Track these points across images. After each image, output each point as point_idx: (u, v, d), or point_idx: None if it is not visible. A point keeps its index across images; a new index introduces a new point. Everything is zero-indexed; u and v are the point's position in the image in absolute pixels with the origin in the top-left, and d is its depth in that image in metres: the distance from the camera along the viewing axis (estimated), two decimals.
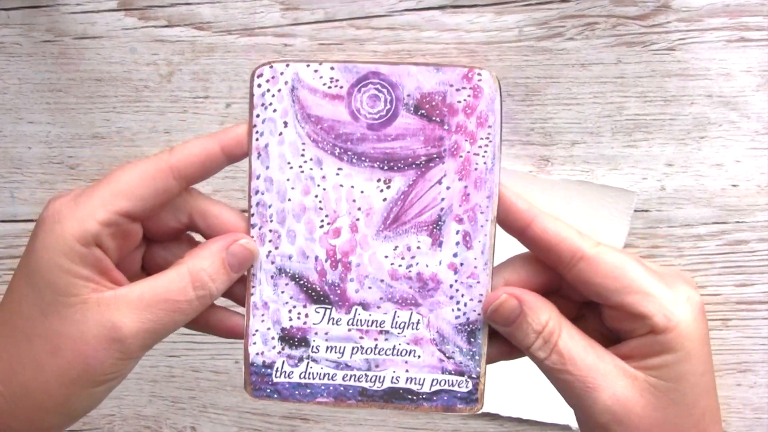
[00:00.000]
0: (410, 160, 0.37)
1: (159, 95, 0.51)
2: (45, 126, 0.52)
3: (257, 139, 0.37)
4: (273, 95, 0.37)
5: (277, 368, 0.38)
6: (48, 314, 0.32)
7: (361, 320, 0.38)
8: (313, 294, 0.38)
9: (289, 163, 0.37)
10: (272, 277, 0.38)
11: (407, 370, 0.38)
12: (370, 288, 0.38)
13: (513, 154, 0.52)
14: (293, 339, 0.38)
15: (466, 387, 0.38)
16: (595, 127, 0.51)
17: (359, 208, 0.37)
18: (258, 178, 0.37)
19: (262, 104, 0.37)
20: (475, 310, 0.37)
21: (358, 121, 0.37)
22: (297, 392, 0.38)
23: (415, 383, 0.38)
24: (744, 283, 0.53)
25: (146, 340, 0.33)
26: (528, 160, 0.52)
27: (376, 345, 0.38)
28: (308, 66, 0.36)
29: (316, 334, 0.38)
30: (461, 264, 0.37)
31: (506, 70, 0.51)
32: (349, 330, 0.38)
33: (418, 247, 0.37)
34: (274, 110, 0.37)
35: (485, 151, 0.37)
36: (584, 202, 0.52)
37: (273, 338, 0.38)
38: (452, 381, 0.38)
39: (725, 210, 0.52)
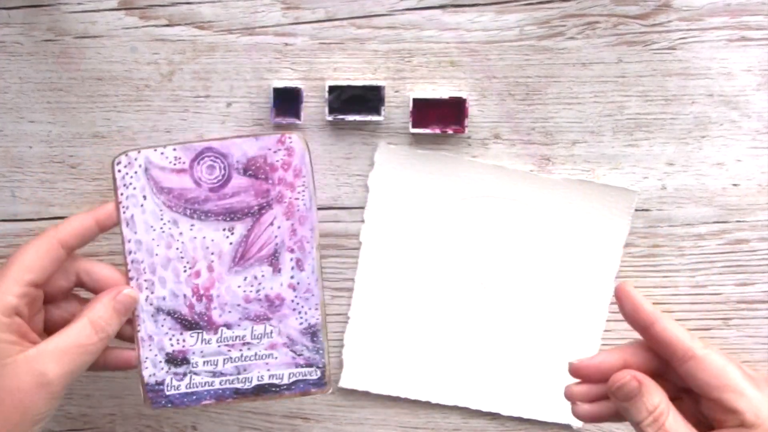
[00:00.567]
0: (246, 210, 0.47)
1: (160, 94, 0.51)
2: (46, 125, 0.52)
3: (124, 212, 0.47)
4: (131, 177, 0.47)
5: (167, 384, 0.49)
6: None
7: (227, 337, 0.49)
8: (186, 323, 0.49)
9: (152, 226, 0.47)
10: (152, 315, 0.48)
11: (269, 370, 0.49)
12: (230, 312, 0.49)
13: (514, 154, 0.52)
14: (176, 359, 0.49)
15: (316, 375, 0.49)
16: (596, 127, 0.51)
17: (212, 253, 0.48)
18: (129, 241, 0.47)
19: (124, 184, 0.47)
20: (314, 317, 0.49)
21: (200, 187, 0.47)
22: (186, 399, 0.49)
23: (276, 378, 0.49)
24: (745, 283, 0.53)
25: (68, 380, 0.43)
26: (529, 159, 0.52)
27: (242, 354, 0.49)
28: (155, 150, 0.47)
29: (193, 353, 0.49)
30: (298, 283, 0.48)
31: (507, 70, 0.51)
32: (219, 346, 0.49)
33: (263, 275, 0.48)
34: (134, 188, 0.47)
35: (303, 195, 0.47)
36: (585, 202, 0.52)
37: (160, 361, 0.49)
38: (304, 372, 0.49)
39: (726, 209, 0.52)
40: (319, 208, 0.53)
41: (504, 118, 0.51)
